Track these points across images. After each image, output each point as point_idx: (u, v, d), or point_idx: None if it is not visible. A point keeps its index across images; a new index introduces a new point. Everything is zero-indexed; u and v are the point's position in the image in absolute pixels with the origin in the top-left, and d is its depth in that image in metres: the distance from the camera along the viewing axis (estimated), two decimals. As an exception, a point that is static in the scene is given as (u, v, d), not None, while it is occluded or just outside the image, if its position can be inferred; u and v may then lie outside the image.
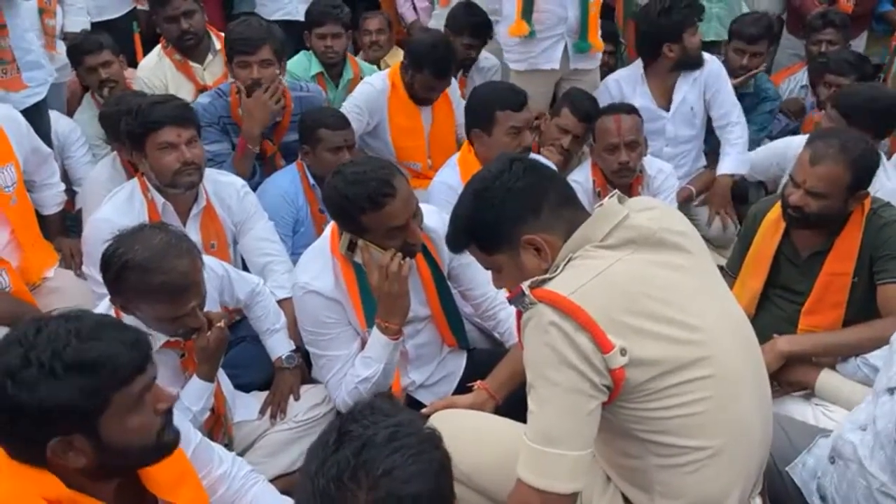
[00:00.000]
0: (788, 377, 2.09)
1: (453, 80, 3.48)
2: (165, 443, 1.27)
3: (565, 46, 3.35)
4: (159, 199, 2.34)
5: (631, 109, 2.87)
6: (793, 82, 3.88)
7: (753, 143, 3.45)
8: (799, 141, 3.07)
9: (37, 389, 1.11)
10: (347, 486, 0.89)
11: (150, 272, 1.70)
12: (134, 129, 2.29)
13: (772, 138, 3.55)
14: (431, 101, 3.26)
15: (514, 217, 1.42)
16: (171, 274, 1.71)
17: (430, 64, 3.10)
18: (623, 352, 1.28)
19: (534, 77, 3.40)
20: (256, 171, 2.91)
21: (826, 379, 2.06)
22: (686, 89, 3.29)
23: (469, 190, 1.50)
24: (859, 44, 4.14)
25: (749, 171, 3.29)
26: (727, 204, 3.26)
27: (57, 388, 1.11)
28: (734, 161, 3.26)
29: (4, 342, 1.16)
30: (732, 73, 3.47)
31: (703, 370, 1.34)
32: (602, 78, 3.56)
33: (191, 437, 1.52)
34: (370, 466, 0.89)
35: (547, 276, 1.37)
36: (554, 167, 2.59)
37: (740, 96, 3.52)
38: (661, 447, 1.36)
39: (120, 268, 1.70)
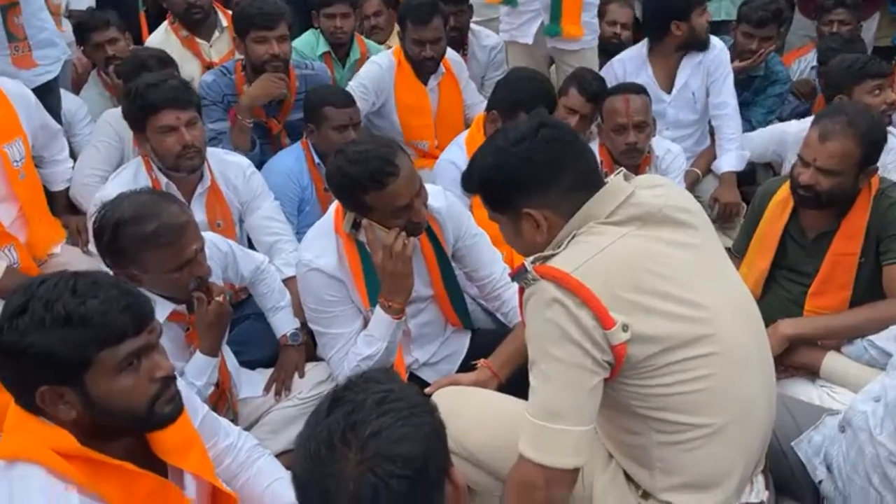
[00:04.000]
0: (794, 360, 2.08)
1: (460, 59, 3.46)
2: (159, 413, 1.28)
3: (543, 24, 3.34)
4: (163, 180, 2.34)
5: (640, 89, 2.84)
6: (803, 63, 3.85)
7: (761, 126, 3.40)
8: (796, 125, 3.08)
9: (25, 336, 1.16)
10: (337, 447, 0.90)
11: (142, 220, 1.72)
12: (133, 111, 2.29)
13: (781, 120, 3.52)
14: (433, 68, 3.22)
15: (522, 188, 1.41)
16: (163, 217, 1.73)
17: (410, 12, 3.10)
18: (625, 328, 1.28)
19: (515, 49, 3.43)
20: (256, 143, 2.88)
21: (832, 361, 2.05)
22: (689, 72, 3.25)
23: (493, 143, 1.48)
24: (871, 25, 4.09)
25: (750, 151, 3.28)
26: (737, 199, 3.21)
27: (42, 337, 1.16)
28: (733, 158, 3.24)
29: (18, 289, 1.22)
30: (740, 56, 3.43)
31: (705, 348, 1.34)
32: (609, 53, 3.53)
33: (198, 408, 1.54)
34: (359, 428, 0.90)
35: (550, 252, 1.36)
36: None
37: (750, 78, 3.49)
38: (663, 424, 1.37)
39: (113, 227, 1.72)
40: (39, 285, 1.20)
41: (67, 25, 3.43)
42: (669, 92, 3.29)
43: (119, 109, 2.83)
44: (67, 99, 3.07)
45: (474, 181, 1.49)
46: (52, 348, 1.16)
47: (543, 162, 1.40)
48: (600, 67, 3.41)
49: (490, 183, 1.45)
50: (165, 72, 2.62)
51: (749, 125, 3.41)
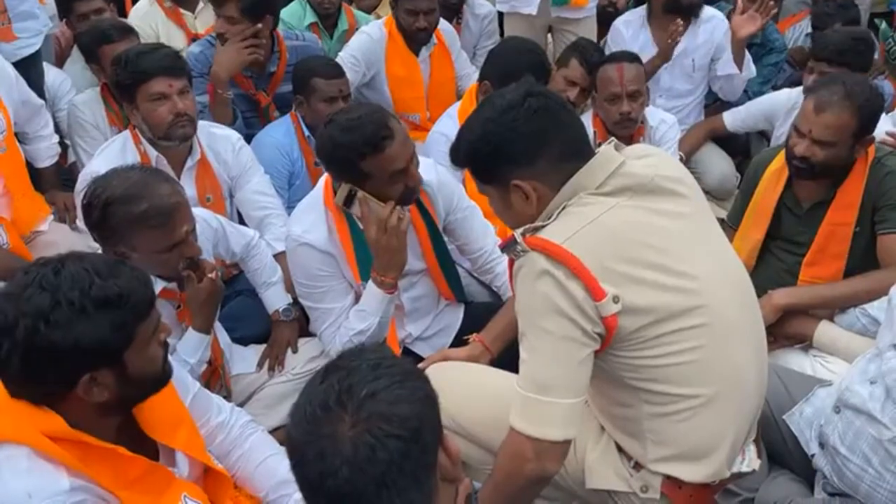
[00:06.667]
0: (786, 329, 2.08)
1: (452, 29, 3.41)
2: (167, 372, 1.34)
3: None
4: (152, 152, 2.30)
5: (634, 58, 2.81)
6: (797, 30, 3.82)
7: (757, 95, 3.38)
8: (785, 95, 3.05)
9: (72, 328, 1.15)
10: (333, 409, 0.90)
11: (133, 201, 1.69)
12: (123, 79, 2.25)
13: (776, 88, 3.49)
14: (426, 39, 3.17)
15: (510, 159, 1.38)
16: (154, 198, 1.71)
17: None
18: (615, 299, 1.27)
19: (515, 20, 3.36)
20: (237, 116, 2.83)
21: (824, 331, 2.05)
22: (689, 38, 3.21)
23: (480, 114, 1.45)
24: (867, -10, 4.05)
25: (737, 125, 3.25)
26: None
27: (90, 325, 1.16)
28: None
29: (23, 287, 1.18)
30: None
31: (696, 318, 1.33)
32: (605, 21, 3.48)
33: (189, 386, 1.54)
34: (355, 390, 0.91)
35: (540, 223, 1.35)
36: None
37: (747, 46, 3.45)
38: (654, 395, 1.36)
39: (103, 205, 1.69)
40: (55, 276, 1.17)
41: (49, -2, 3.36)
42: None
43: (84, 95, 2.82)
44: (50, 73, 3.02)
45: (462, 153, 1.47)
46: (100, 334, 1.17)
47: (530, 132, 1.37)
48: (598, 37, 3.38)
49: (477, 155, 1.43)
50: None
51: (745, 95, 3.38)
